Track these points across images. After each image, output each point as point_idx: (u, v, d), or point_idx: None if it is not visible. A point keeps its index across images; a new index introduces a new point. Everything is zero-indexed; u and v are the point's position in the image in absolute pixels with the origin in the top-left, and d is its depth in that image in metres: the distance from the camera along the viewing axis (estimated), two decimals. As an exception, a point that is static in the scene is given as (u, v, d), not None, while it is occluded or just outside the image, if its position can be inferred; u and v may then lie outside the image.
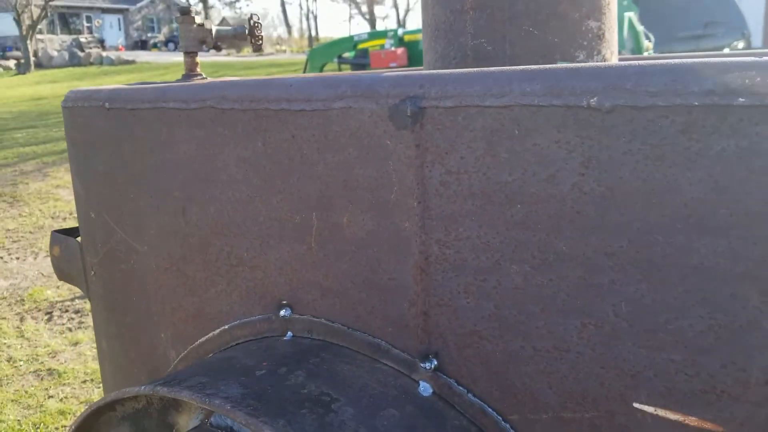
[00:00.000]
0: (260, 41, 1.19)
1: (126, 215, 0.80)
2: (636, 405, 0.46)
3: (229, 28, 1.20)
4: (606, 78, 0.47)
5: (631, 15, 9.38)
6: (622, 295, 0.47)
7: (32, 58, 35.37)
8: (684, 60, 0.46)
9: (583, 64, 0.50)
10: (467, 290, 0.55)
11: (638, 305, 0.47)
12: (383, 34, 12.48)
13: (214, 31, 1.18)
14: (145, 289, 0.80)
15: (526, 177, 0.50)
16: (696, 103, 0.44)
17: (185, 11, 1.15)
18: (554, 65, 0.51)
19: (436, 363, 0.57)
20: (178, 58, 30.92)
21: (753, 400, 0.43)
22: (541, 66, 0.51)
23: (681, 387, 0.45)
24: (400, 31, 12.39)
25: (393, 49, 12.52)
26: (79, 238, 0.95)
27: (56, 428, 3.58)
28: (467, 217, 0.54)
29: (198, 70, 1.19)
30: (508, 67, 0.52)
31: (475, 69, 0.54)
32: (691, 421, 0.44)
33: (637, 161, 0.46)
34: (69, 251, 0.95)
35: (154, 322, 0.80)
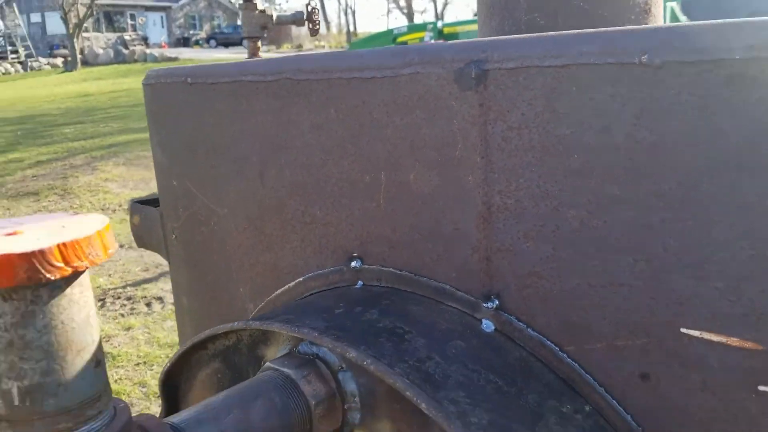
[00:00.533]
0: (317, 26, 1.26)
1: (207, 182, 0.88)
2: (683, 330, 0.52)
3: (289, 14, 1.27)
4: (656, 37, 0.52)
5: (673, 5, 9.27)
6: (671, 232, 0.53)
7: (79, 56, 36.14)
8: (726, 20, 0.51)
9: (634, 27, 0.55)
10: (527, 235, 0.61)
11: (686, 241, 0.52)
12: (422, 27, 12.53)
13: (274, 17, 1.26)
14: (225, 248, 0.88)
15: (582, 129, 0.56)
16: (737, 57, 0.49)
17: (248, 0, 1.23)
18: (607, 28, 0.57)
19: (497, 303, 0.63)
20: (220, 54, 31.28)
21: (791, 326, 0.48)
22: (596, 29, 0.56)
23: (724, 312, 0.50)
24: (439, 24, 12.42)
25: (432, 41, 12.55)
26: (157, 207, 1.03)
27: (113, 407, 3.72)
28: (527, 168, 0.60)
29: (259, 54, 1.26)
30: (565, 31, 0.58)
31: (535, 34, 0.59)
32: (733, 342, 0.50)
33: (685, 111, 0.51)
34: (149, 219, 1.04)
35: (233, 279, 0.88)
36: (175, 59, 30.39)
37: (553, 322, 0.60)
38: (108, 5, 43.34)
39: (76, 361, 0.43)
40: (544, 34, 0.59)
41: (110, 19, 47.13)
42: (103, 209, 8.41)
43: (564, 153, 0.57)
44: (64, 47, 39.09)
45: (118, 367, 4.26)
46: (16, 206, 8.82)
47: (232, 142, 0.84)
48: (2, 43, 42.57)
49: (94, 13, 37.85)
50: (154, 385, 4.02)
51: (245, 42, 1.25)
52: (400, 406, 0.57)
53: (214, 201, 0.87)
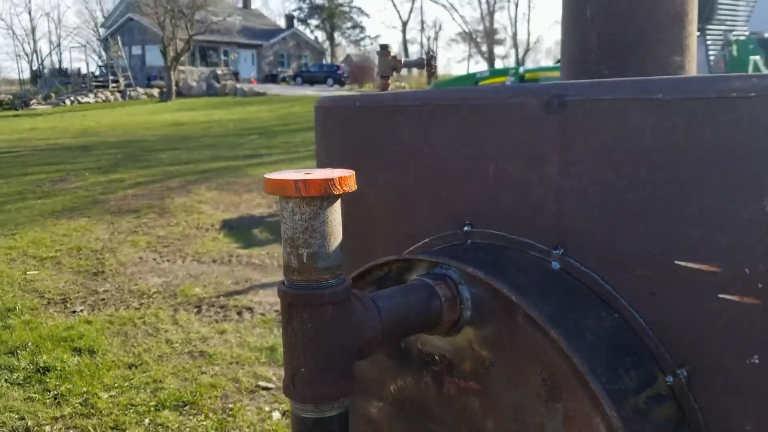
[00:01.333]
0: (435, 70, 1.65)
1: (360, 173, 1.26)
2: (676, 262, 0.85)
3: (413, 59, 1.67)
4: (664, 82, 0.87)
5: (756, 58, 9.41)
6: (677, 206, 0.87)
7: (174, 87, 38.04)
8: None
9: (652, 78, 0.90)
10: (583, 206, 0.96)
11: (682, 209, 0.86)
12: (505, 72, 12.91)
13: (402, 61, 1.66)
14: (370, 219, 1.26)
15: (618, 140, 0.91)
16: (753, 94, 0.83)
17: (384, 47, 1.63)
18: (641, 77, 0.92)
19: (563, 250, 0.98)
20: (305, 91, 32.40)
21: None
22: (628, 78, 0.92)
23: (698, 249, 0.83)
24: (521, 69, 12.76)
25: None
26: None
27: (209, 397, 4.16)
28: (586, 162, 0.95)
29: (389, 89, 1.66)
30: (614, 79, 0.94)
31: (596, 80, 0.95)
32: (704, 267, 0.82)
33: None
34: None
35: (375, 242, 1.25)
36: (263, 94, 31.75)
37: (598, 262, 0.94)
38: (204, 41, 45.88)
39: (335, 243, 0.82)
40: (601, 80, 0.95)
41: (204, 54, 49.76)
42: (197, 228, 9.05)
43: (608, 153, 0.92)
44: (161, 78, 41.44)
45: (214, 364, 4.72)
46: (119, 221, 9.58)
47: (386, 146, 1.22)
48: (104, 72, 45.43)
49: (191, 47, 40.08)
50: (246, 381, 4.44)
51: (378, 79, 1.65)
52: (496, 305, 0.93)
53: (366, 188, 1.26)
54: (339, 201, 0.81)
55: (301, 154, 16.18)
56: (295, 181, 0.76)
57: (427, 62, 1.65)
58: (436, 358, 1.00)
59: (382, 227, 1.25)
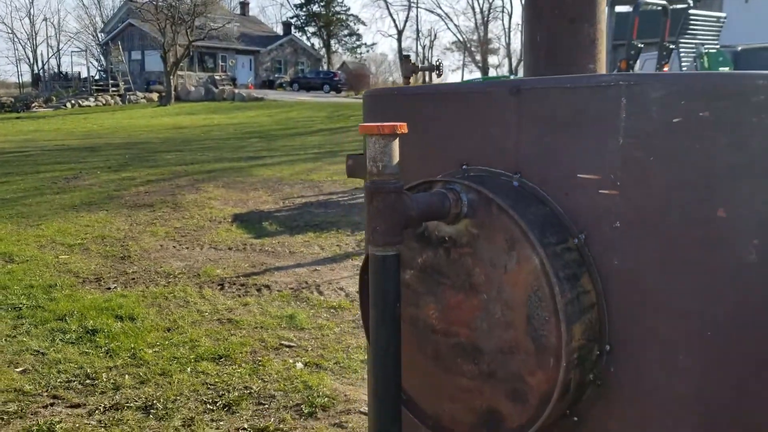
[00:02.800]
0: (441, 73, 2.35)
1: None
2: (579, 175, 1.58)
3: (427, 65, 2.37)
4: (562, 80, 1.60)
5: (725, 70, 10.24)
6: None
7: (173, 92, 38.54)
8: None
9: (566, 75, 1.63)
10: (534, 149, 1.69)
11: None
12: (497, 80, 13.67)
13: (419, 66, 2.37)
14: (407, 162, 1.99)
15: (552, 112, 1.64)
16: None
17: (407, 56, 2.36)
18: (563, 76, 1.65)
19: (519, 175, 1.71)
20: (302, 97, 33.05)
21: None
22: (556, 76, 1.65)
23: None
24: (511, 78, 13.53)
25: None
26: (362, 155, 2.14)
27: (240, 353, 4.87)
28: (535, 123, 1.68)
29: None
30: (547, 77, 1.66)
31: (539, 77, 1.68)
32: (602, 193, 1.56)
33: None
34: (359, 161, 2.15)
35: (409, 176, 1.98)
36: (261, 99, 32.39)
37: (538, 180, 1.67)
38: (202, 47, 46.64)
39: (395, 161, 1.55)
40: (541, 77, 1.68)
41: (202, 59, 50.49)
42: (210, 220, 9.75)
43: (543, 118, 1.65)
44: (160, 83, 42.06)
45: (241, 329, 5.43)
46: (136, 214, 10.27)
47: (414, 119, 1.95)
48: (104, 76, 45.96)
49: (191, 53, 40.74)
50: (270, 341, 5.14)
51: (403, 80, 2.36)
52: (482, 203, 1.65)
53: (404, 144, 1.99)
54: (398, 139, 1.54)
55: (302, 157, 16.88)
56: (378, 125, 1.49)
57: (437, 67, 2.37)
58: (446, 238, 1.73)
59: (413, 167, 1.97)
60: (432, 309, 1.80)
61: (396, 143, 1.52)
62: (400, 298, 1.59)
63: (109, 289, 6.60)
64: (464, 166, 1.84)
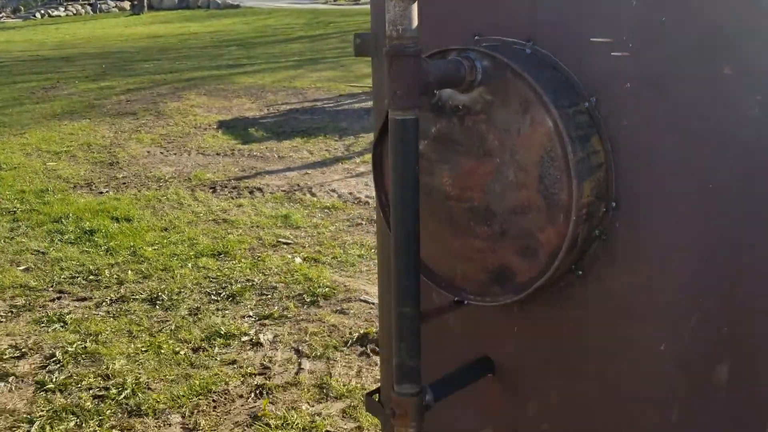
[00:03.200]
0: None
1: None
2: (592, 39, 1.63)
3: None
4: None
5: None
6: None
7: (146, 0, 37.19)
8: None
9: None
10: (551, 12, 1.73)
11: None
12: None
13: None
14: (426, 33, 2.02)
15: None
16: None
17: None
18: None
19: (532, 42, 1.76)
20: (280, 4, 32.12)
21: None
22: None
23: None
24: None
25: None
26: (369, 33, 2.16)
27: (239, 250, 4.99)
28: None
29: None
30: None
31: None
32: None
33: None
34: (366, 39, 2.17)
35: (428, 46, 2.02)
36: (237, 6, 31.43)
37: (551, 48, 1.71)
38: (174, -49, 44.50)
39: (414, 25, 1.59)
40: None
41: (174, -35, 48.32)
42: (195, 127, 9.70)
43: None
44: (132, -9, 40.40)
45: (237, 228, 5.53)
46: (119, 122, 10.17)
47: (423, -8, 1.97)
48: (72, -16, 44.09)
49: (162, -42, 38.98)
50: (267, 239, 5.26)
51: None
52: (496, 69, 1.70)
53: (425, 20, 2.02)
54: (416, 3, 1.57)
55: (283, 64, 16.59)
56: (398, -12, 1.52)
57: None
58: (460, 107, 1.79)
59: (426, 39, 2.00)
60: (446, 177, 1.88)
61: (415, 6, 1.56)
62: (419, 160, 1.66)
63: (101, 193, 6.63)
64: (477, 37, 1.88)
